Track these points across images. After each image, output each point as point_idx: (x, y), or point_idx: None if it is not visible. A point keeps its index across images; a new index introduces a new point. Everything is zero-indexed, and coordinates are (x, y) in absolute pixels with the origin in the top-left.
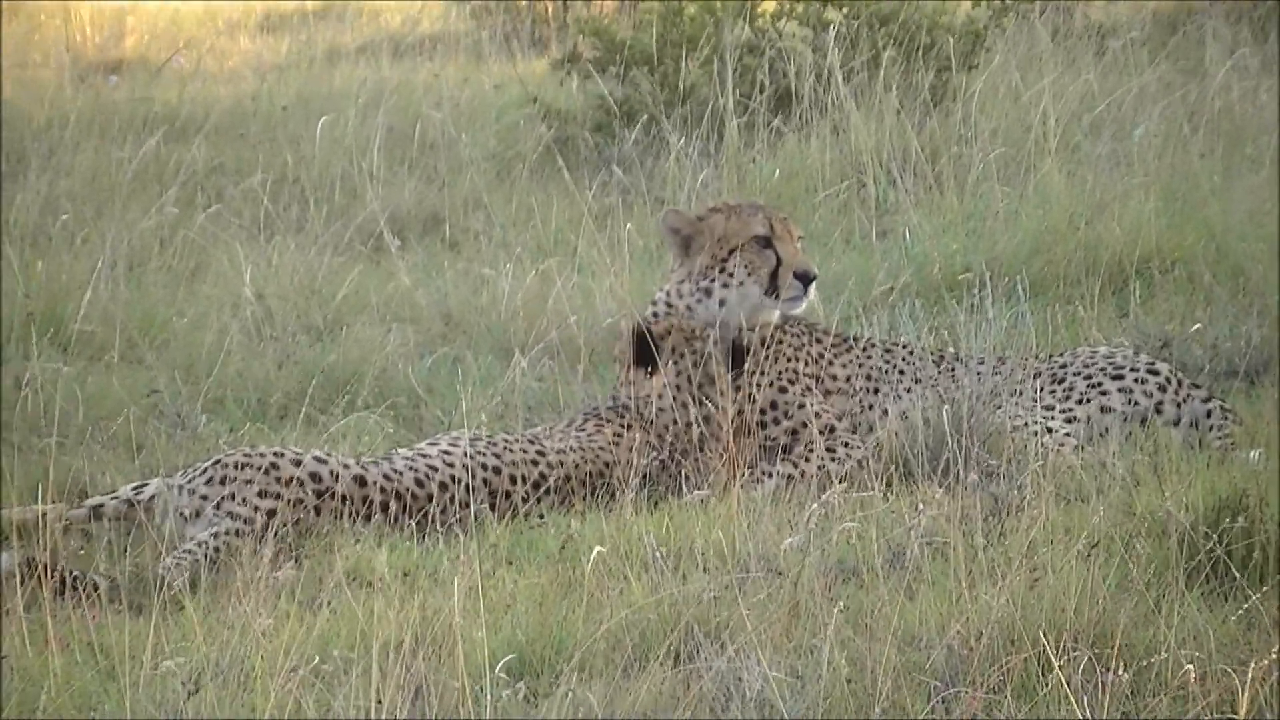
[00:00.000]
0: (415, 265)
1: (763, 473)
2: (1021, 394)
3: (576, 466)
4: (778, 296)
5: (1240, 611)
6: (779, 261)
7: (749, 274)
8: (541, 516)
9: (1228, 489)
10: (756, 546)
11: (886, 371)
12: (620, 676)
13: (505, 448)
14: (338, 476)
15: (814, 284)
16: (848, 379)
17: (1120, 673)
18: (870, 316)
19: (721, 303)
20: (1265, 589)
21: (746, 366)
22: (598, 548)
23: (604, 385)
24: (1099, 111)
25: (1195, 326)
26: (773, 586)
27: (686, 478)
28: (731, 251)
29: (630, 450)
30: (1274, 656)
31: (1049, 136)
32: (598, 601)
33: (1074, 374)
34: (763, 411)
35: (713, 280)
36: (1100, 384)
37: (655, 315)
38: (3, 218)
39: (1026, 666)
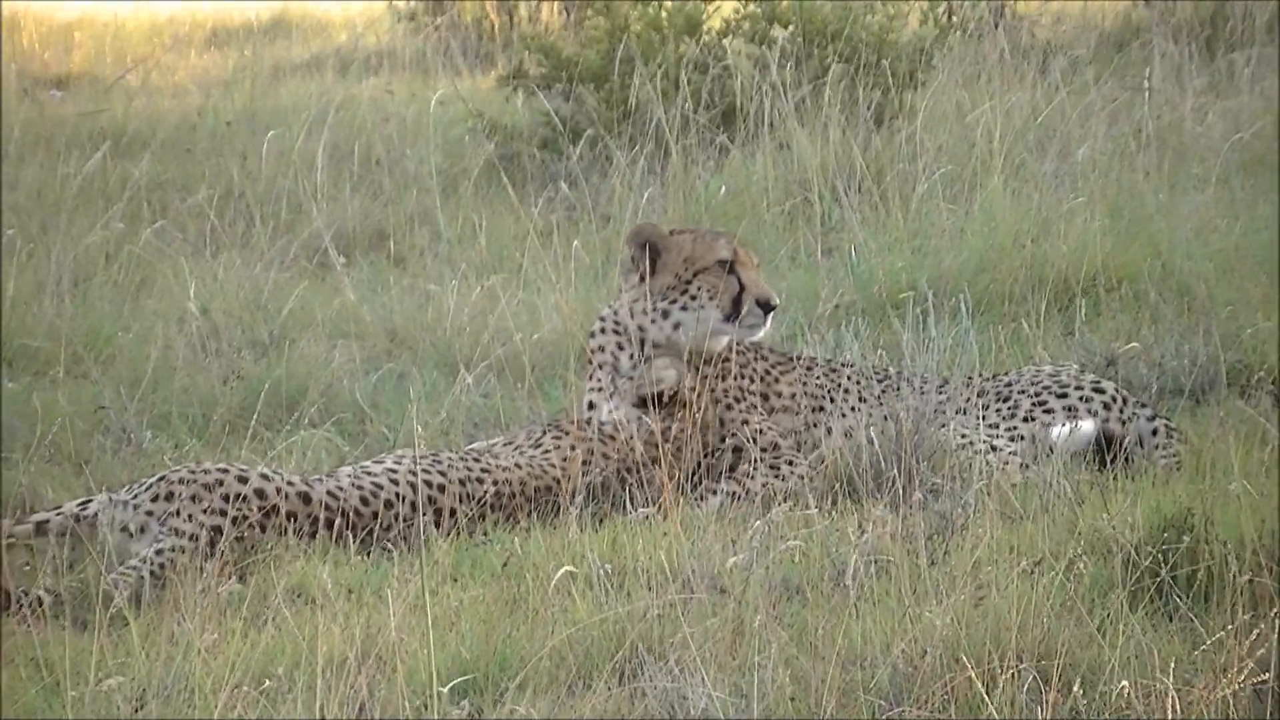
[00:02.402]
0: (360, 281)
1: (707, 490)
2: (966, 412)
3: (523, 483)
4: (738, 322)
5: (1184, 631)
6: (742, 288)
7: (711, 298)
8: (486, 534)
9: (1172, 508)
10: (701, 564)
11: (830, 390)
12: (565, 694)
13: (450, 465)
14: (283, 493)
15: (773, 313)
16: (793, 396)
17: (1065, 692)
18: (815, 334)
19: (677, 325)
20: (1209, 610)
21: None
22: (566, 568)
23: (549, 402)
24: (1044, 129)
25: (1133, 345)
26: (717, 604)
27: (632, 495)
28: (696, 274)
29: (580, 465)
30: (1214, 674)
31: (994, 155)
32: (542, 619)
33: (1019, 392)
34: (707, 429)
35: (673, 301)
36: (1045, 402)
37: (603, 330)
38: None
39: (970, 685)
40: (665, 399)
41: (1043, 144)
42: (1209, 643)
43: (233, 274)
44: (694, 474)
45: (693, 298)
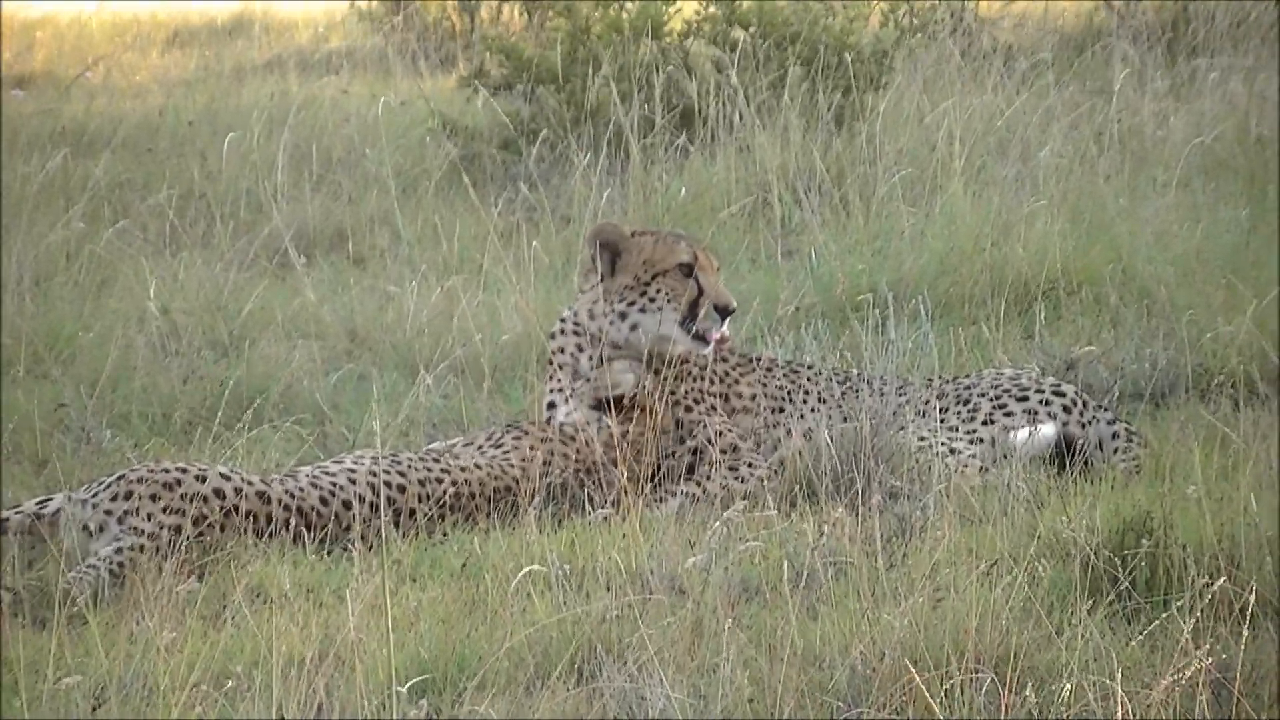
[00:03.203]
0: (321, 282)
1: (666, 492)
2: (925, 415)
3: (482, 484)
4: (694, 325)
5: (1143, 633)
6: (700, 292)
7: (669, 300)
8: (445, 534)
9: (1132, 512)
10: (659, 565)
11: (791, 392)
12: (523, 695)
13: (410, 465)
14: (241, 493)
15: (730, 317)
16: (753, 398)
17: (1023, 694)
18: (775, 336)
19: (635, 326)
20: (1167, 613)
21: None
22: (528, 568)
23: (509, 403)
24: (1005, 132)
25: (1092, 348)
26: (675, 605)
27: (590, 496)
28: (655, 276)
29: (540, 466)
30: (1171, 678)
31: (955, 157)
32: (501, 619)
33: (979, 395)
34: (666, 431)
35: (631, 303)
36: (1005, 405)
37: (562, 332)
38: None
39: (929, 687)
40: (622, 402)
41: (1003, 147)
42: (1167, 646)
43: (193, 274)
44: (654, 476)
45: (651, 300)
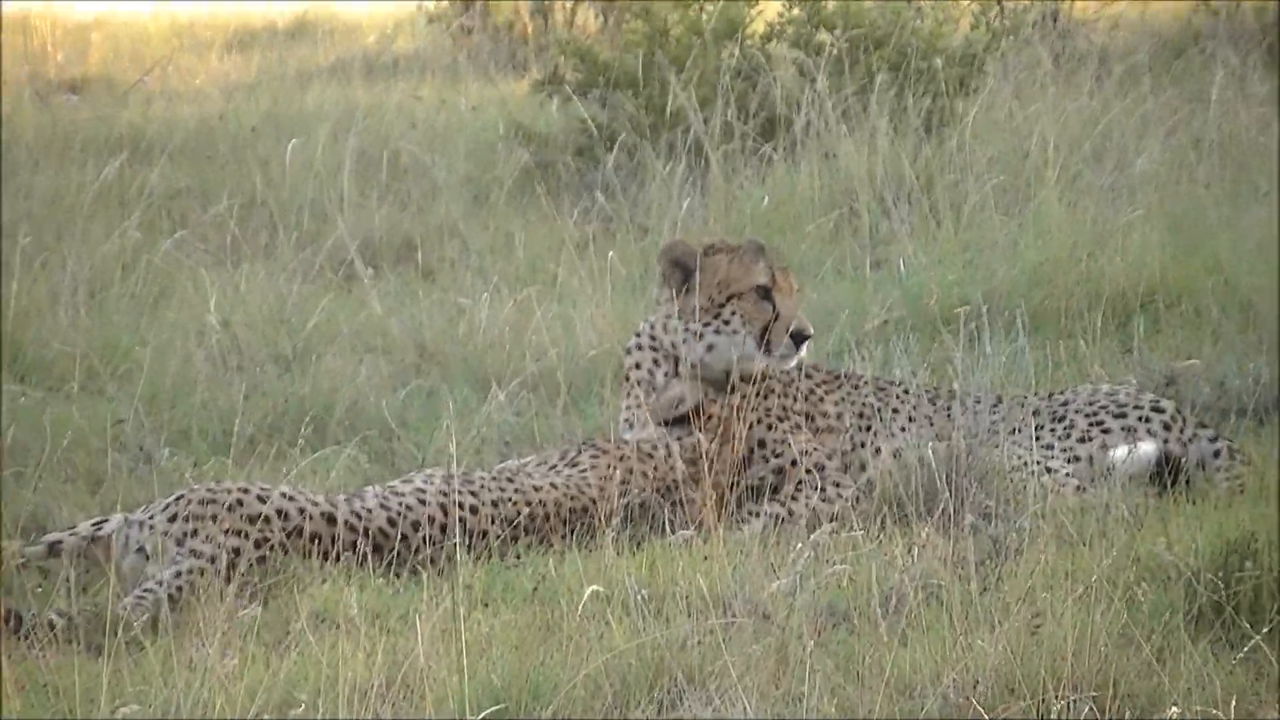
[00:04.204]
0: (388, 294)
1: (750, 513)
2: (1020, 432)
3: (558, 504)
4: (769, 351)
5: (1248, 661)
6: (776, 315)
7: (744, 324)
8: (519, 557)
9: (1235, 533)
10: (742, 589)
11: (879, 409)
12: None
13: (482, 485)
14: (306, 514)
15: (807, 343)
16: (839, 416)
17: None
18: (863, 351)
19: (710, 348)
20: (1269, 631)
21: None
22: (592, 588)
23: (585, 419)
24: (1100, 139)
25: (1193, 362)
26: (760, 631)
27: (671, 517)
28: (730, 298)
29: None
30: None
31: (1048, 165)
32: (577, 645)
33: (1075, 412)
34: (751, 450)
35: (706, 324)
36: (1103, 422)
37: (639, 347)
38: None
39: (1025, 716)
40: (687, 419)
41: (1098, 154)
42: (1273, 674)
43: (255, 285)
44: (727, 494)
45: (726, 323)
